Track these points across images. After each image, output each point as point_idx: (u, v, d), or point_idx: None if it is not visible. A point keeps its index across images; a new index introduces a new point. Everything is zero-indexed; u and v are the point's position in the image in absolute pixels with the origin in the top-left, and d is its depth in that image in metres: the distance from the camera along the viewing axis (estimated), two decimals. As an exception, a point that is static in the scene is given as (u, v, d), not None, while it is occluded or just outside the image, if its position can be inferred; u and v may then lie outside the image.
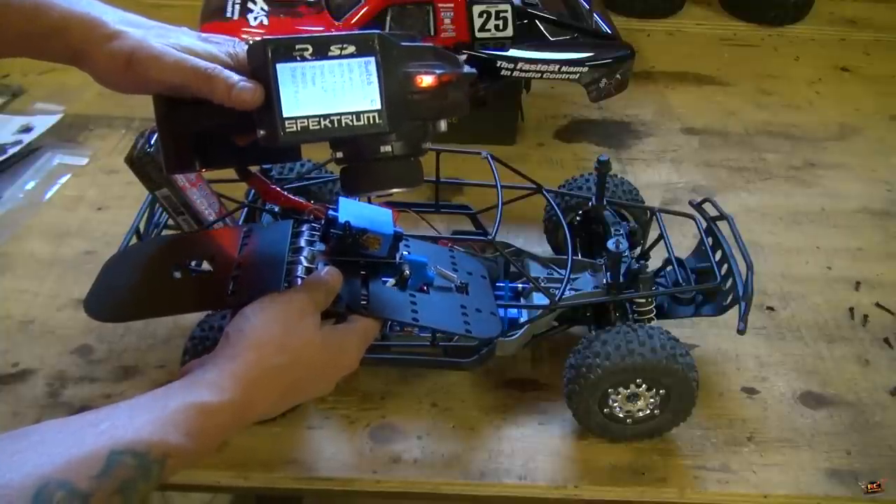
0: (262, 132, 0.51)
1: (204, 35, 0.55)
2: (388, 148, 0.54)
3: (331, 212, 0.62)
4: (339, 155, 0.55)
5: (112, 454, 0.43)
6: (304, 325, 0.54)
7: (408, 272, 0.64)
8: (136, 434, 0.44)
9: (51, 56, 0.54)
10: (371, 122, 0.52)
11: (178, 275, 0.63)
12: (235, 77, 0.51)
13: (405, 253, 0.66)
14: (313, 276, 0.59)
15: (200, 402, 0.48)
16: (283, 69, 0.50)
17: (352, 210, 0.62)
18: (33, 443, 0.42)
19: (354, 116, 0.51)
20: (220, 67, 0.51)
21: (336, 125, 0.51)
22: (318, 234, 0.64)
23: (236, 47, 0.54)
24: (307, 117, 0.50)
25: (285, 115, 0.50)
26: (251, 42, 0.52)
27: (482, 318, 0.67)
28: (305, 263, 0.61)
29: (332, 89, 0.51)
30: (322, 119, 0.51)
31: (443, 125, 0.56)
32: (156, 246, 0.71)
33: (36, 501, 0.39)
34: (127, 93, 0.54)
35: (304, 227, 0.65)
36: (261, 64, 0.51)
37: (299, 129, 0.50)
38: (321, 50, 0.51)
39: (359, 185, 0.56)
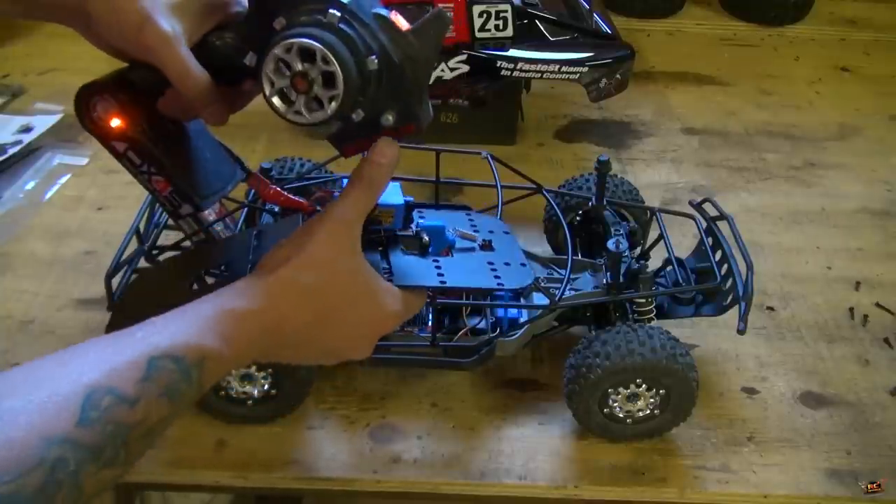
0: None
1: None
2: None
3: (336, 194, 0.61)
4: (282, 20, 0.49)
5: (151, 360, 0.43)
6: (342, 246, 0.52)
7: (427, 239, 0.63)
8: (172, 339, 0.45)
9: (50, 12, 0.52)
10: None
11: (195, 287, 0.63)
12: (219, 98, 0.51)
13: (421, 221, 0.65)
14: (354, 174, 0.53)
15: (232, 308, 0.48)
16: None
17: None
18: (75, 356, 0.43)
19: None
20: (210, 84, 0.51)
21: None
22: None
23: None
24: None
25: None
26: None
27: (512, 271, 0.65)
28: None
29: None
30: None
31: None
32: (168, 266, 0.70)
33: (85, 405, 0.40)
34: (123, 57, 0.52)
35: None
36: None
37: None
38: None
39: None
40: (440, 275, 0.62)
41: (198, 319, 0.47)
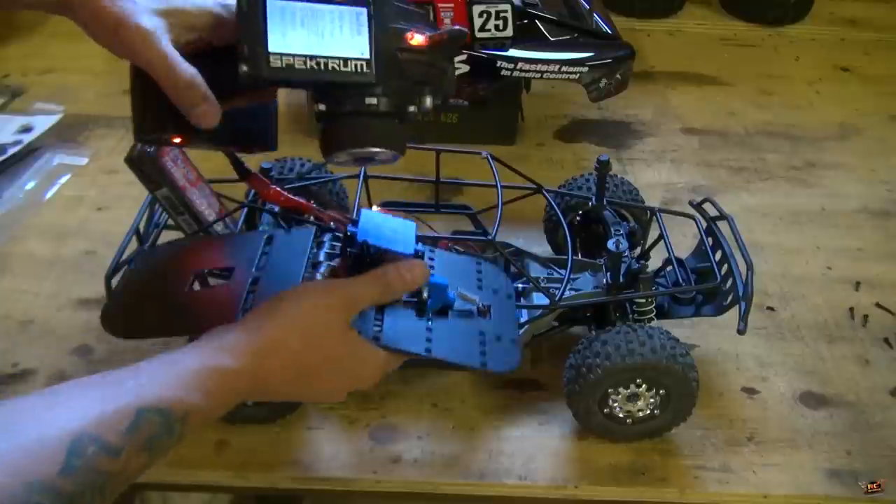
0: (244, 68, 0.49)
1: None
2: (373, 100, 0.52)
3: (351, 227, 0.61)
4: (322, 107, 0.53)
5: (139, 411, 0.44)
6: (334, 320, 0.55)
7: (426, 296, 0.62)
8: (161, 393, 0.46)
9: (34, 1, 0.53)
10: (358, 70, 0.51)
11: (196, 286, 0.63)
12: (209, 97, 0.51)
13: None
14: (381, 271, 0.58)
15: (220, 366, 0.49)
16: (273, 5, 0.50)
17: (373, 222, 0.60)
18: (62, 400, 0.44)
19: (342, 62, 0.51)
20: (200, 80, 0.50)
21: (322, 68, 0.50)
22: (338, 244, 0.63)
23: None
24: (293, 55, 0.49)
25: (271, 49, 0.49)
26: None
27: (501, 349, 0.64)
28: None
29: (322, 33, 0.51)
30: (308, 59, 0.50)
31: (429, 101, 0.55)
32: (176, 251, 0.70)
33: (70, 455, 0.40)
34: (116, 55, 0.53)
35: (326, 238, 0.64)
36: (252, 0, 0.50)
37: (284, 65, 0.49)
38: None
39: (338, 140, 0.54)
40: (428, 340, 0.62)
41: (186, 374, 0.48)
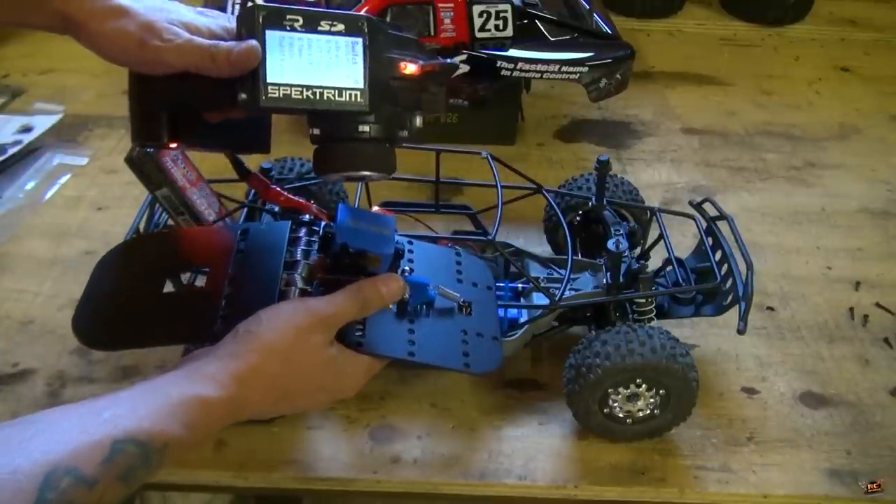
0: (242, 95, 0.51)
1: (198, 9, 0.56)
2: (365, 128, 0.54)
3: (329, 225, 0.61)
4: (316, 132, 0.55)
5: (116, 442, 0.44)
6: (313, 342, 0.55)
7: (407, 294, 0.62)
8: (139, 424, 0.46)
9: (36, 22, 0.53)
10: (352, 99, 0.52)
11: (169, 286, 0.62)
12: (232, 43, 0.51)
13: (406, 269, 0.64)
14: (357, 286, 0.58)
15: (200, 395, 0.49)
16: (272, 36, 0.51)
17: (352, 217, 0.60)
18: (40, 430, 0.44)
19: (336, 92, 0.52)
20: (217, 42, 0.51)
21: (317, 98, 0.52)
22: (315, 240, 0.63)
23: (230, 21, 0.55)
24: (290, 86, 0.51)
25: (269, 80, 0.51)
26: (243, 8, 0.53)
27: (483, 346, 0.64)
28: (300, 284, 0.60)
29: (318, 63, 0.52)
30: (305, 90, 0.51)
31: (419, 121, 0.57)
32: (149, 245, 0.69)
33: (44, 487, 0.40)
34: (134, 69, 0.54)
35: (302, 232, 0.64)
36: (250, 29, 0.51)
37: (281, 95, 0.51)
38: (311, 23, 0.52)
39: (331, 163, 0.55)
40: (411, 342, 0.62)
41: (166, 404, 0.48)
